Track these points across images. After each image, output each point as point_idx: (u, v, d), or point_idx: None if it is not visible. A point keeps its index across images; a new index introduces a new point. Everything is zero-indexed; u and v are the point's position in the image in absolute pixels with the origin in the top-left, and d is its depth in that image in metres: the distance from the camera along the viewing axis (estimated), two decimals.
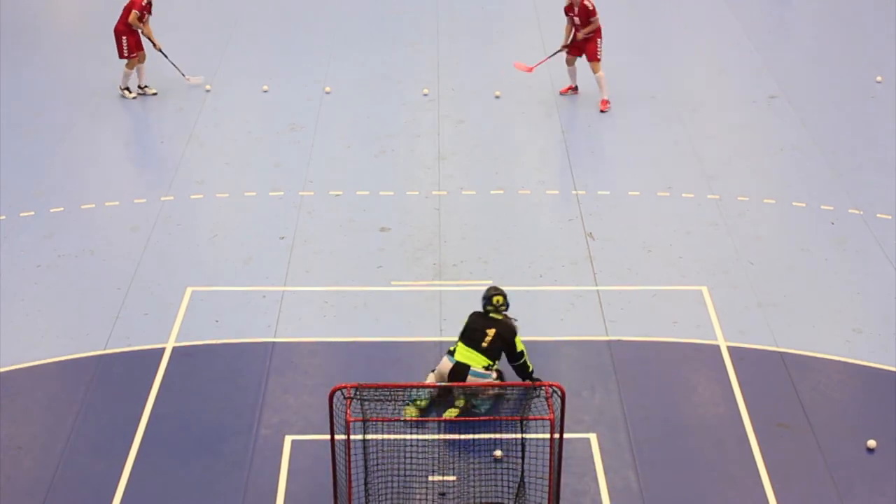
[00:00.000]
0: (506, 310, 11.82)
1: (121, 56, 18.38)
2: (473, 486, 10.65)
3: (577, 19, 17.98)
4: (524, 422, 9.96)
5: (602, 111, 18.13)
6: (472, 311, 11.91)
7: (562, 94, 18.59)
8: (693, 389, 12.18)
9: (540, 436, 10.41)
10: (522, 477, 10.41)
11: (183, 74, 18.76)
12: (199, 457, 11.26)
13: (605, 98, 18.24)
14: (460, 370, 11.50)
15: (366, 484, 10.32)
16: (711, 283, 13.88)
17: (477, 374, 11.48)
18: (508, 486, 10.62)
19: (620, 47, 20.50)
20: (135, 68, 18.45)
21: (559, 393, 9.71)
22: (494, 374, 11.60)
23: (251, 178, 16.27)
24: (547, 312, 13.38)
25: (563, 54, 18.40)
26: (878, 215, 15.30)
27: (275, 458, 11.21)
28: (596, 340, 12.89)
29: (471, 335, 11.63)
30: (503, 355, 11.74)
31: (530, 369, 11.82)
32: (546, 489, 10.33)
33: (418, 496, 10.63)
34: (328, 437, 10.10)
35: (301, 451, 11.27)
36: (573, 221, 15.17)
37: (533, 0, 22.40)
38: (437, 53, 19.86)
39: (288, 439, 11.43)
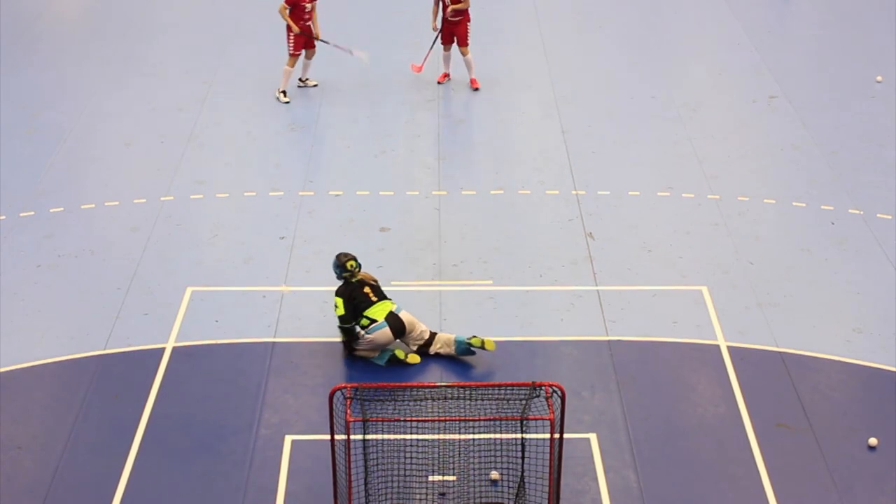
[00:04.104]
0: (360, 271, 12.68)
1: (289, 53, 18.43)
2: (473, 486, 10.66)
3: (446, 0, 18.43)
4: (524, 422, 9.96)
5: (475, 89, 18.66)
6: (339, 287, 12.60)
7: (439, 82, 18.88)
8: (693, 389, 12.18)
9: (540, 436, 10.41)
10: (522, 477, 10.41)
11: (351, 52, 18.76)
12: (199, 457, 11.25)
13: (475, 77, 18.76)
14: (397, 319, 12.40)
15: (366, 484, 10.32)
16: (711, 283, 13.87)
17: (398, 311, 12.51)
18: (508, 486, 10.63)
19: (621, 47, 20.51)
20: (294, 66, 18.34)
21: (559, 393, 9.71)
22: None
23: (251, 178, 16.26)
24: (547, 312, 13.37)
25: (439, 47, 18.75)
26: (878, 215, 15.29)
27: (275, 458, 11.21)
28: (596, 340, 12.89)
29: (367, 299, 12.49)
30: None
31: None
32: (546, 489, 10.33)
33: (418, 496, 10.63)
34: (328, 437, 10.10)
35: (301, 451, 11.27)
36: (573, 221, 15.17)
37: (533, 0, 22.40)
38: (437, 53, 19.84)
39: (288, 439, 11.43)
